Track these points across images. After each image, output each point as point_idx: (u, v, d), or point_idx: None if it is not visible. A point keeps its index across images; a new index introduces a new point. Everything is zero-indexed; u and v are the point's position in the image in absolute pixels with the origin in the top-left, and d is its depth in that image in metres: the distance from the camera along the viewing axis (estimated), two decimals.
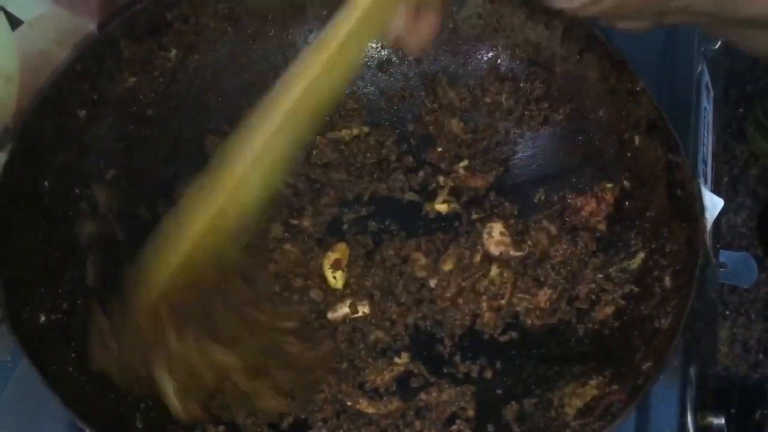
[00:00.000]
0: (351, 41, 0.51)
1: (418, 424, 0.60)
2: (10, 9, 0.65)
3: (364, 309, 0.65)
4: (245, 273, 0.60)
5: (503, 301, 0.65)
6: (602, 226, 0.68)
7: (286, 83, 0.52)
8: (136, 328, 0.56)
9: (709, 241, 0.69)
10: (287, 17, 0.75)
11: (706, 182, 0.76)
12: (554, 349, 0.64)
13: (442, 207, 0.71)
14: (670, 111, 0.66)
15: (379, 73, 0.77)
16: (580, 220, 0.68)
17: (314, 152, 0.74)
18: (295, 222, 0.70)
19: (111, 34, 0.67)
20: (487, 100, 0.74)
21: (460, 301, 0.66)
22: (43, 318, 0.58)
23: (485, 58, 0.75)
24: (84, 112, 0.66)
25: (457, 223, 0.71)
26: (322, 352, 0.62)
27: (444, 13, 0.47)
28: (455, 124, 0.74)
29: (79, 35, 0.70)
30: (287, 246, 0.68)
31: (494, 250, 0.67)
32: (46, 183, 0.63)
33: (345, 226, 0.70)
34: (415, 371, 0.63)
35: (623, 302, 0.63)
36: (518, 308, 0.66)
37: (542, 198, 0.71)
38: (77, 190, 0.65)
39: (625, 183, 0.67)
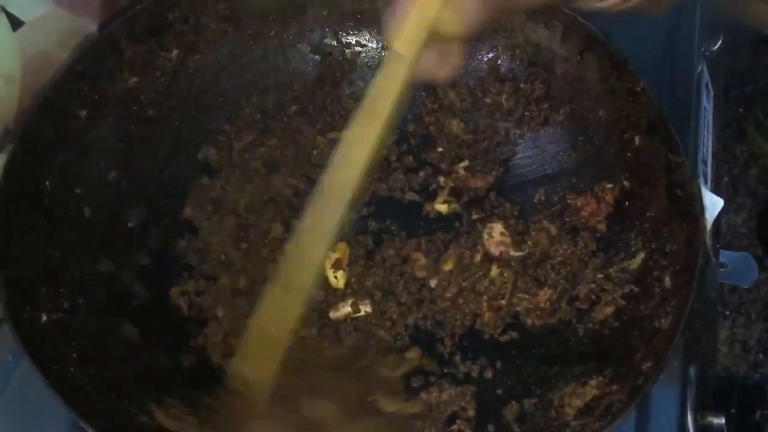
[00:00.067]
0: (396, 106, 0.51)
1: (419, 424, 0.60)
2: (11, 10, 0.65)
3: (366, 308, 0.66)
4: None
5: (503, 301, 0.66)
6: (602, 226, 0.68)
7: (337, 166, 0.53)
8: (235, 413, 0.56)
9: (709, 241, 0.69)
10: (287, 17, 0.75)
11: (706, 182, 0.76)
12: (554, 349, 0.64)
13: (442, 207, 0.71)
14: (670, 111, 0.66)
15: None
16: (580, 220, 0.68)
17: (314, 152, 0.74)
18: (296, 222, 0.70)
19: (112, 35, 0.68)
20: (488, 100, 0.74)
21: (461, 301, 0.66)
22: (44, 318, 0.58)
23: (485, 59, 0.75)
24: (85, 112, 0.66)
25: (457, 224, 0.71)
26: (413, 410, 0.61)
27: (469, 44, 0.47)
28: (455, 125, 0.74)
29: (80, 36, 0.70)
30: (287, 246, 0.68)
31: (494, 251, 0.67)
32: (47, 183, 0.63)
33: (345, 227, 0.70)
34: (425, 367, 0.63)
35: (623, 302, 0.63)
36: (518, 308, 0.66)
37: (542, 198, 0.71)
38: (78, 191, 0.65)
39: (625, 183, 0.67)
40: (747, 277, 0.75)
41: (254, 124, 0.74)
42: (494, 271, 0.66)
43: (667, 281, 0.61)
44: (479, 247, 0.68)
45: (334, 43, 0.76)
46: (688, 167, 0.62)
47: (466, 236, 0.69)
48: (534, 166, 0.73)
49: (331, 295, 0.66)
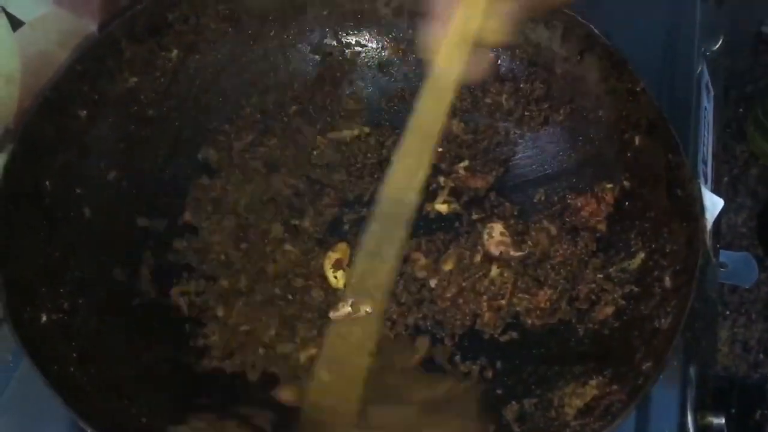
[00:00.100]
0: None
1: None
2: (11, 10, 0.65)
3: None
4: None
5: (503, 301, 0.66)
6: (602, 226, 0.68)
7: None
8: None
9: (709, 241, 0.69)
10: (287, 17, 0.75)
11: (706, 182, 0.76)
12: (554, 349, 0.64)
13: (442, 207, 0.71)
14: (670, 111, 0.66)
15: (380, 74, 0.77)
16: (580, 220, 0.68)
17: (315, 153, 0.74)
18: (296, 222, 0.70)
19: (112, 35, 0.68)
20: (488, 100, 0.74)
21: (461, 301, 0.66)
22: (44, 318, 0.58)
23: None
24: (85, 112, 0.66)
25: (457, 224, 0.71)
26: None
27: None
28: (456, 125, 0.74)
29: (80, 36, 0.70)
30: (287, 246, 0.68)
31: (494, 251, 0.67)
32: (47, 183, 0.63)
33: (346, 227, 0.71)
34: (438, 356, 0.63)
35: (623, 302, 0.63)
36: (518, 308, 0.66)
37: (542, 198, 0.71)
38: (78, 191, 0.65)
39: (625, 183, 0.67)
40: (747, 277, 0.75)
41: (254, 124, 0.74)
42: (494, 271, 0.66)
43: (667, 281, 0.61)
44: (479, 247, 0.68)
45: (334, 43, 0.76)
46: (688, 167, 0.62)
47: (466, 236, 0.69)
48: (534, 166, 0.73)
49: (330, 296, 0.66)
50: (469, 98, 0.75)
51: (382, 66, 0.77)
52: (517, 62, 0.73)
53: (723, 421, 0.65)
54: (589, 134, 0.70)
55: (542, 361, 0.63)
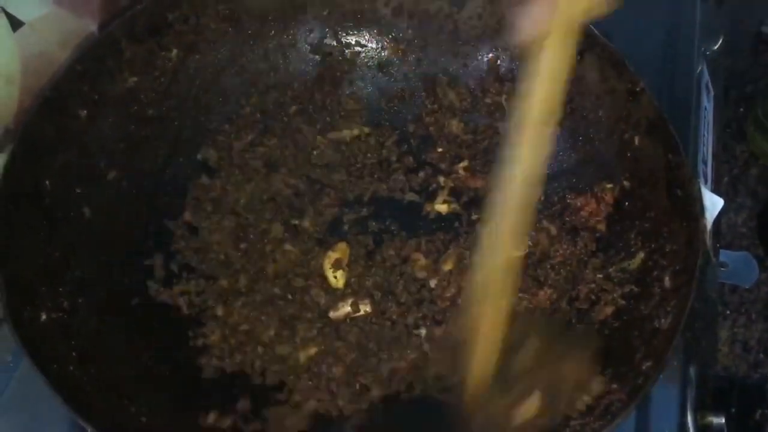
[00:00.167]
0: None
1: None
2: (11, 10, 0.65)
3: (366, 308, 0.66)
4: None
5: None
6: (602, 226, 0.68)
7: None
8: None
9: (709, 241, 0.69)
10: (287, 17, 0.75)
11: (706, 182, 0.76)
12: None
13: (442, 207, 0.71)
14: (670, 111, 0.66)
15: (380, 74, 0.77)
16: (580, 220, 0.68)
17: (315, 153, 0.74)
18: (296, 222, 0.70)
19: (112, 35, 0.68)
20: (487, 100, 0.74)
21: (460, 301, 0.66)
22: (44, 317, 0.58)
23: (485, 59, 0.75)
24: (85, 112, 0.66)
25: (457, 224, 0.71)
26: None
27: None
28: (455, 125, 0.74)
29: (81, 36, 0.70)
30: (287, 246, 0.68)
31: None
32: (47, 183, 0.63)
33: (346, 227, 0.71)
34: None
35: (623, 302, 0.63)
36: (518, 308, 0.66)
37: (542, 198, 0.71)
38: (78, 191, 0.65)
39: (625, 183, 0.67)
40: (747, 276, 0.75)
41: (254, 124, 0.74)
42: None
43: (667, 281, 0.61)
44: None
45: (334, 43, 0.76)
46: (688, 167, 0.62)
47: (466, 236, 0.69)
48: None
49: (331, 295, 0.66)
50: (469, 98, 0.75)
51: (382, 66, 0.77)
52: (517, 62, 0.73)
53: (723, 421, 0.65)
54: (589, 134, 0.70)
55: None
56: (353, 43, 0.77)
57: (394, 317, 0.65)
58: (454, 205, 0.71)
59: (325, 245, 0.69)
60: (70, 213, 0.64)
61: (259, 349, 0.63)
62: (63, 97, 0.65)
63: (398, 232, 0.70)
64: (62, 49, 0.69)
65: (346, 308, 0.65)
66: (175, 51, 0.71)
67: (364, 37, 0.77)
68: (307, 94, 0.76)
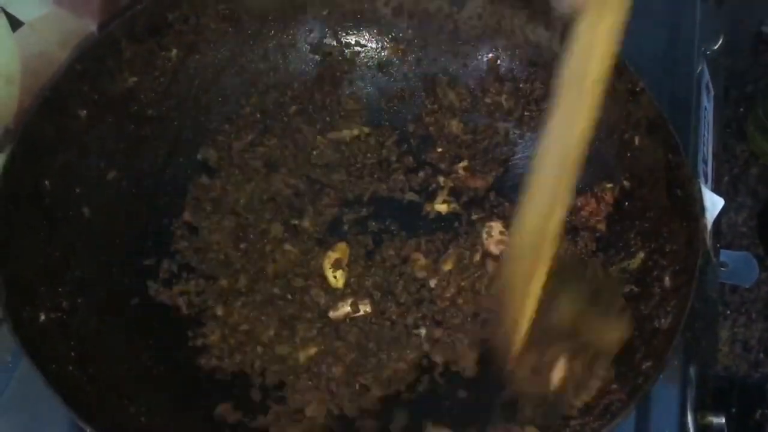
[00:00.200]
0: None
1: None
2: (11, 10, 0.65)
3: (365, 308, 0.66)
4: None
5: None
6: (602, 226, 0.68)
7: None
8: None
9: (709, 241, 0.69)
10: (287, 17, 0.75)
11: (706, 182, 0.76)
12: None
13: (442, 207, 0.71)
14: (670, 111, 0.66)
15: (380, 74, 0.77)
16: (580, 220, 0.68)
17: (315, 153, 0.74)
18: (296, 222, 0.70)
19: (112, 35, 0.68)
20: (487, 100, 0.74)
21: (460, 300, 0.66)
22: (43, 317, 0.58)
23: (485, 59, 0.75)
24: (85, 112, 0.66)
25: (457, 223, 0.71)
26: None
27: None
28: (455, 125, 0.74)
29: (81, 36, 0.70)
30: (287, 246, 0.68)
31: (494, 250, 0.67)
32: (47, 183, 0.63)
33: (345, 227, 0.71)
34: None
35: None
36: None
37: None
38: (78, 191, 0.65)
39: (625, 183, 0.67)
40: (748, 276, 0.75)
41: (254, 124, 0.74)
42: (494, 270, 0.66)
43: (667, 281, 0.61)
44: (479, 246, 0.68)
45: (334, 43, 0.77)
46: (688, 167, 0.62)
47: (465, 236, 0.69)
48: None
49: (330, 295, 0.66)
50: (469, 98, 0.75)
51: (382, 66, 0.77)
52: (517, 62, 0.73)
53: (723, 420, 0.65)
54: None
55: None
56: (353, 43, 0.77)
57: (394, 317, 0.65)
58: (453, 205, 0.71)
59: (325, 245, 0.69)
60: (70, 213, 0.64)
61: (259, 349, 0.63)
62: (63, 97, 0.65)
63: (398, 232, 0.70)
64: (62, 49, 0.69)
65: (345, 308, 0.65)
66: (175, 51, 0.71)
67: (363, 37, 0.77)
68: (307, 94, 0.76)
